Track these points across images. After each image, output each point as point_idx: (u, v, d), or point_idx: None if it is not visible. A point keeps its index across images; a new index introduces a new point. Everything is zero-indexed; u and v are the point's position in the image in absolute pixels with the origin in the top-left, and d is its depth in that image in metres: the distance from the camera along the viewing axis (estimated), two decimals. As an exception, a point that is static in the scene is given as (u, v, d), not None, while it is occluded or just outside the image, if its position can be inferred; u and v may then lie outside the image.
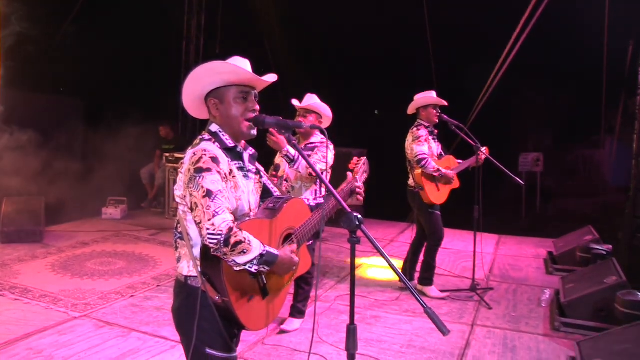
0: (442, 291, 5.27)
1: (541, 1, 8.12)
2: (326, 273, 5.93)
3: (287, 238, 2.30)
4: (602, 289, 4.46)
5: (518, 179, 5.01)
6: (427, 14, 9.66)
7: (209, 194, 1.93)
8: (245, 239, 1.92)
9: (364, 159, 2.65)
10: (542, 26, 8.68)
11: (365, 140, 9.30)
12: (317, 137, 4.29)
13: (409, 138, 5.15)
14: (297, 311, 4.42)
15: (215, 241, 1.88)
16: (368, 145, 9.37)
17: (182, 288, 2.16)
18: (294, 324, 4.38)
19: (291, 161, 3.94)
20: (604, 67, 9.19)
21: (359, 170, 2.59)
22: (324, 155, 4.11)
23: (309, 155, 4.09)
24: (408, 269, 5.41)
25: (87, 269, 5.72)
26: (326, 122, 4.28)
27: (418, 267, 5.39)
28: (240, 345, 3.97)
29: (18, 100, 7.67)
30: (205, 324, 2.07)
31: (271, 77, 2.22)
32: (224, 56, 2.22)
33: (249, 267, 1.97)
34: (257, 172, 2.33)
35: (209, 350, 2.11)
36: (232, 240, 1.89)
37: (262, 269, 2.03)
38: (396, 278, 5.61)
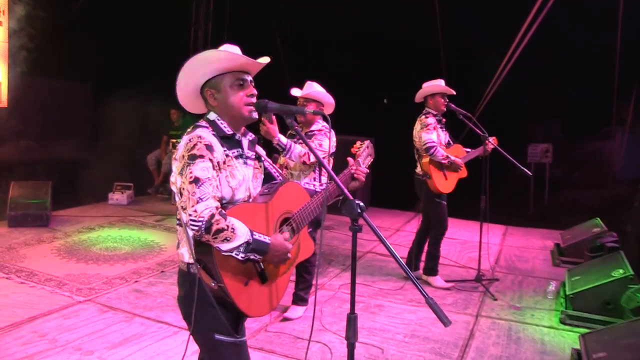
0: (447, 281, 5.24)
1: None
2: (331, 261, 5.92)
3: (284, 222, 2.27)
4: (609, 282, 4.41)
5: (526, 170, 4.96)
6: (438, 2, 9.56)
7: (196, 180, 1.93)
8: (228, 226, 1.91)
9: (367, 142, 2.61)
10: (554, 15, 8.56)
11: (372, 129, 9.24)
12: (319, 125, 4.24)
13: (417, 126, 5.10)
14: (299, 299, 4.41)
15: (196, 228, 1.88)
16: (376, 133, 9.32)
17: (185, 277, 2.14)
18: (297, 311, 4.37)
19: (283, 150, 3.92)
20: (616, 58, 9.05)
21: (362, 154, 2.55)
22: (320, 143, 4.07)
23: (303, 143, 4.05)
24: (413, 259, 5.39)
25: (93, 254, 5.74)
26: (328, 109, 4.23)
27: (423, 257, 5.36)
28: (242, 332, 3.98)
29: (26, 84, 7.67)
30: (211, 311, 2.06)
31: (265, 59, 2.19)
32: (232, 43, 2.19)
33: (235, 254, 1.96)
34: (257, 158, 2.31)
35: (217, 337, 2.10)
36: (214, 227, 1.88)
37: (252, 257, 2.02)
38: (400, 268, 5.58)
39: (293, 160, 4.01)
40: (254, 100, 2.15)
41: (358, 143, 2.59)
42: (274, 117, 3.81)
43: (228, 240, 1.91)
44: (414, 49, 9.83)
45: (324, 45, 10.46)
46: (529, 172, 4.96)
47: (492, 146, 5.10)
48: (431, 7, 9.62)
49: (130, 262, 5.55)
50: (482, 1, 8.95)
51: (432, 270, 5.23)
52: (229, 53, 2.08)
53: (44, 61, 7.87)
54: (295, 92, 4.21)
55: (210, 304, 2.04)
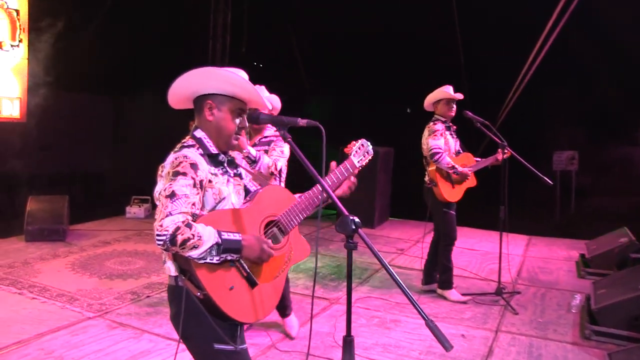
0: (465, 294, 5.06)
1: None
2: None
3: (270, 225, 2.25)
4: (637, 295, 4.18)
5: (546, 179, 4.76)
6: (457, 12, 9.41)
7: (172, 195, 1.92)
8: (193, 235, 1.87)
9: (361, 140, 2.54)
10: (579, 15, 8.34)
11: (393, 138, 9.10)
12: (271, 130, 4.04)
13: (425, 133, 4.98)
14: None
15: (161, 242, 1.86)
16: (395, 143, 9.18)
17: (175, 291, 2.11)
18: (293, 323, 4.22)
19: (252, 162, 3.75)
20: (644, 60, 8.77)
21: (355, 153, 2.49)
22: (282, 150, 3.87)
23: (266, 151, 3.88)
24: (428, 271, 5.23)
25: (106, 269, 5.71)
26: (276, 113, 4.08)
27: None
28: (252, 348, 3.87)
29: (46, 98, 7.75)
30: (206, 321, 2.03)
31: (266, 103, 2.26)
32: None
33: (210, 259, 1.93)
34: (238, 175, 2.30)
35: (217, 346, 2.07)
36: (179, 238, 1.85)
37: (228, 257, 1.98)
38: (418, 280, 5.42)
39: (262, 172, 3.84)
40: (240, 133, 2.21)
41: (352, 142, 2.53)
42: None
43: (196, 247, 1.88)
44: (434, 56, 9.69)
45: (343, 55, 10.38)
46: (550, 182, 4.76)
47: (504, 155, 4.93)
48: (450, 13, 9.48)
49: (143, 276, 5.50)
50: (503, 4, 8.76)
51: (447, 283, 5.05)
52: (255, 89, 2.11)
53: (65, 75, 7.94)
54: None
55: (204, 314, 2.02)
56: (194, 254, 1.89)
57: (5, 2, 7.04)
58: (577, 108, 9.87)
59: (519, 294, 5.23)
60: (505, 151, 4.95)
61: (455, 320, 4.56)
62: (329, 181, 2.37)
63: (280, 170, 3.88)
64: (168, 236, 1.84)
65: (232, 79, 2.08)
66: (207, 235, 1.90)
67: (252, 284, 2.11)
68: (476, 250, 6.89)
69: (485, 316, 4.67)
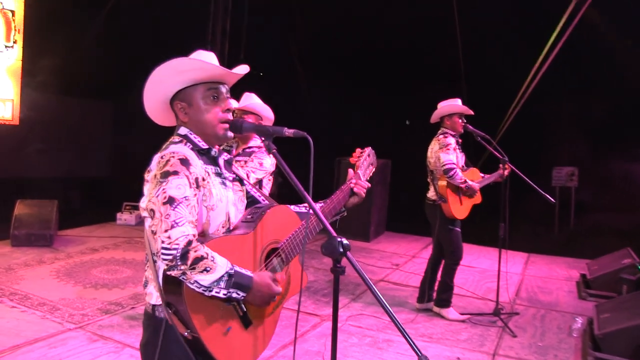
0: (462, 314, 4.88)
1: (581, 4, 7.69)
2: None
3: (272, 253, 1.96)
4: (643, 322, 4.00)
5: (548, 196, 4.60)
6: (459, 25, 9.33)
7: (170, 201, 1.63)
8: (207, 254, 1.62)
9: (368, 149, 2.31)
10: (581, 31, 8.25)
11: (390, 151, 8.96)
12: (257, 141, 3.81)
13: (435, 146, 4.81)
14: None
15: (170, 257, 1.58)
16: (393, 155, 9.04)
17: (150, 320, 1.85)
18: None
19: None
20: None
21: (362, 164, 2.25)
22: (260, 162, 3.61)
23: (245, 162, 3.68)
24: (426, 289, 5.06)
25: (92, 277, 5.52)
26: (267, 124, 3.87)
27: (437, 286, 5.02)
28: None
29: (43, 101, 7.61)
30: None
31: (242, 69, 1.92)
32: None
33: (216, 292, 1.65)
34: (237, 179, 2.02)
35: None
36: (191, 255, 1.58)
37: (234, 295, 1.69)
38: (413, 298, 5.25)
39: None
40: (229, 116, 1.89)
41: (358, 151, 2.29)
42: None
43: (208, 271, 1.60)
44: (434, 68, 9.59)
45: (343, 64, 10.28)
46: (552, 199, 4.60)
47: (508, 171, 4.78)
48: (452, 26, 9.40)
49: (129, 286, 5.32)
50: (504, 18, 8.67)
51: (445, 302, 4.88)
52: (202, 62, 1.81)
53: (62, 79, 7.80)
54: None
55: (177, 355, 1.75)
56: (205, 279, 1.61)
57: (1, 3, 6.92)
58: (577, 124, 9.76)
59: (518, 315, 5.05)
60: (506, 167, 4.81)
61: (450, 342, 4.38)
62: (334, 199, 2.12)
63: (261, 184, 3.68)
64: (179, 251, 1.57)
65: (182, 65, 1.80)
66: (221, 261, 1.64)
67: (247, 323, 1.84)
68: (473, 268, 6.71)
69: (482, 338, 4.49)
